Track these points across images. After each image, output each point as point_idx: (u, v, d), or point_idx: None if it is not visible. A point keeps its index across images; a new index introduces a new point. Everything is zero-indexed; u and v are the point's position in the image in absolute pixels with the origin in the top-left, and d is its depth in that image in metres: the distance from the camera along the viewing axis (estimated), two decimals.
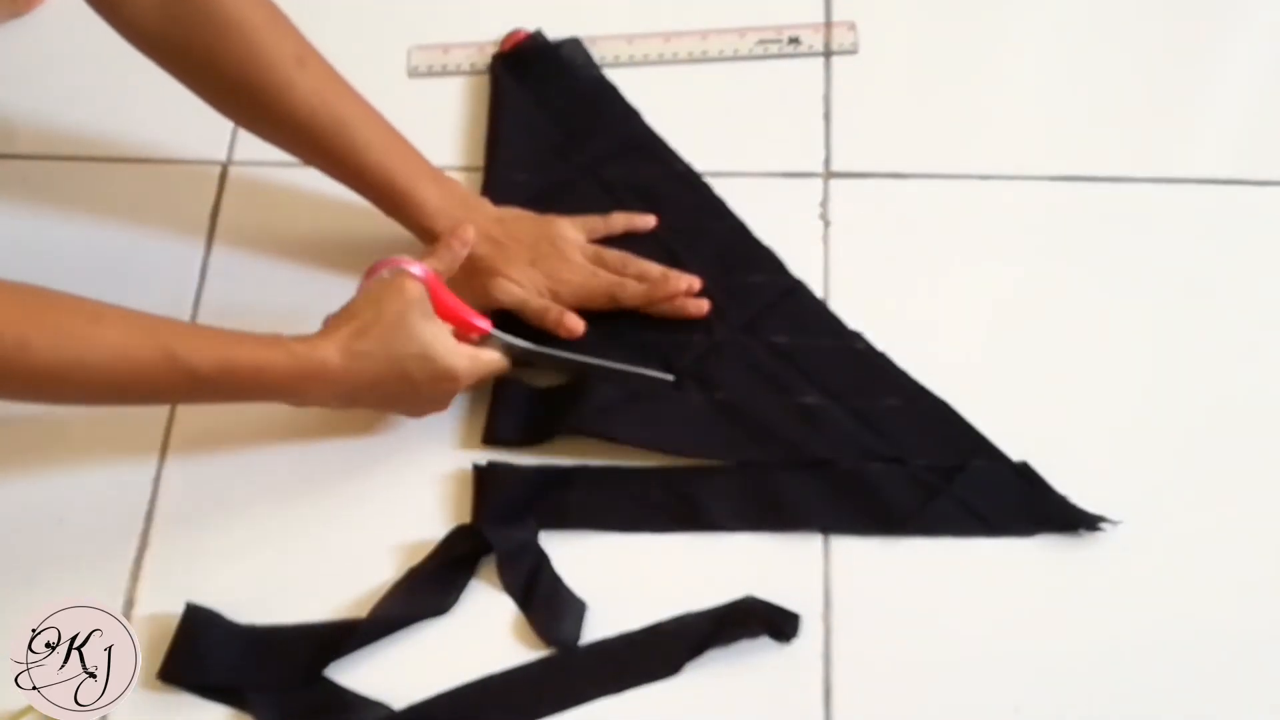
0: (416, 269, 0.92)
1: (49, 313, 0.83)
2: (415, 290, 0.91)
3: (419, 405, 0.95)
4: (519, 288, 0.99)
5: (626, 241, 1.03)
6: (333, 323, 0.91)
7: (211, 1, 0.92)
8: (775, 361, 0.98)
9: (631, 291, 0.99)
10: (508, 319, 0.99)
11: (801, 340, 0.99)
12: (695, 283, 1.00)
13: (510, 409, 0.97)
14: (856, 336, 0.99)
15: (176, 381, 0.86)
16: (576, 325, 0.99)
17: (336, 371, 0.88)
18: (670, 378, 0.96)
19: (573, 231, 1.02)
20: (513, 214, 1.03)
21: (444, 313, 0.93)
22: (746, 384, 0.97)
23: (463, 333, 0.94)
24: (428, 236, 0.99)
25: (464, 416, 0.97)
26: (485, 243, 0.99)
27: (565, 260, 1.00)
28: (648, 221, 1.04)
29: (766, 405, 0.96)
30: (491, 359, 0.95)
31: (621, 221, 1.04)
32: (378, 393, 0.91)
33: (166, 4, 0.92)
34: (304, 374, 0.88)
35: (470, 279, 0.99)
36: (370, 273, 0.93)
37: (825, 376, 0.98)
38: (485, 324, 0.95)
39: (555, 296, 0.99)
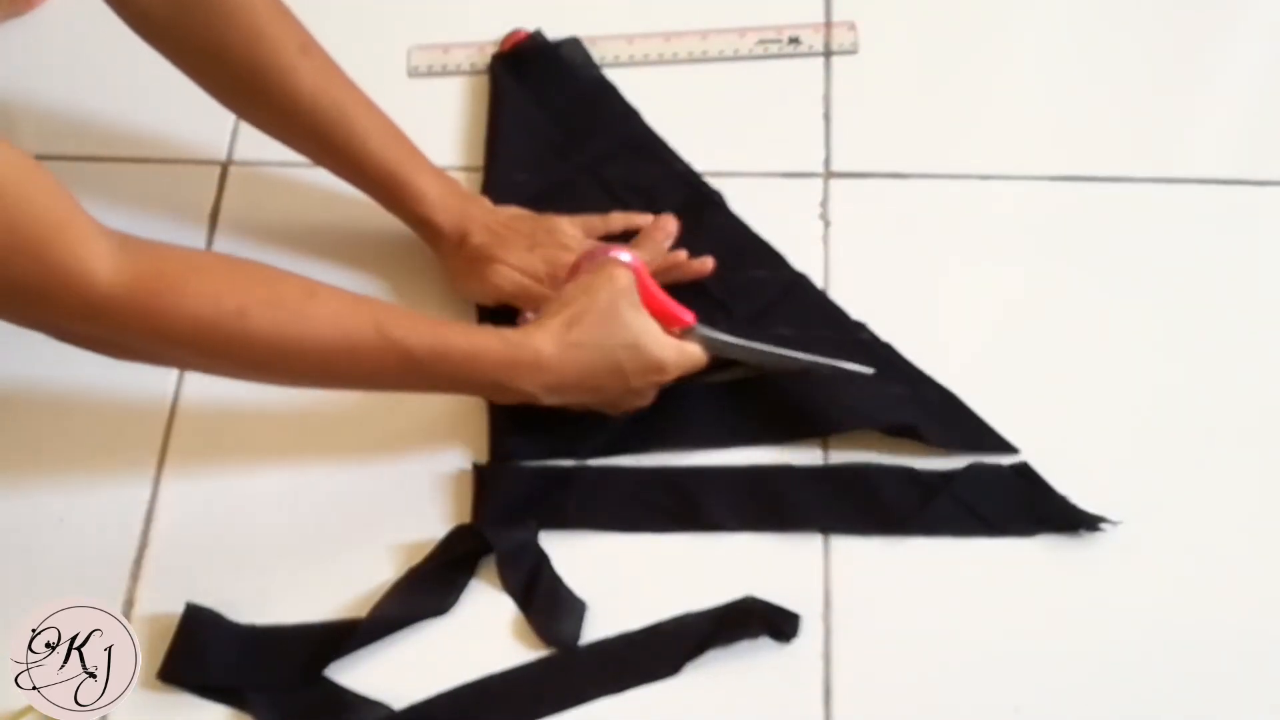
0: (626, 256, 0.91)
1: (266, 284, 0.84)
2: (625, 279, 0.91)
3: (625, 398, 0.93)
4: (519, 274, 0.99)
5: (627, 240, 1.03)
6: (545, 311, 0.90)
7: None
8: None
9: None
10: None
11: (806, 332, 0.99)
12: (708, 263, 1.01)
13: (516, 427, 0.96)
14: (860, 327, 1.00)
15: (389, 361, 0.86)
16: None
17: (550, 360, 0.88)
18: (870, 371, 0.95)
19: (571, 226, 1.02)
20: (509, 210, 1.03)
21: (650, 304, 0.92)
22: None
23: (666, 324, 0.93)
24: (426, 228, 1.00)
25: (464, 417, 0.97)
26: (484, 233, 0.99)
27: (565, 249, 1.00)
28: (645, 220, 1.04)
29: (773, 391, 0.97)
30: (695, 353, 0.94)
31: (620, 220, 1.04)
32: (587, 383, 0.91)
33: None
34: (517, 362, 0.88)
35: (471, 267, 0.99)
36: (576, 266, 0.93)
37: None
38: (689, 316, 0.94)
39: (555, 283, 0.99)
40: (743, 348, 0.95)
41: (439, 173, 1.01)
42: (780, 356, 0.95)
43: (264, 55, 0.94)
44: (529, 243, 1.00)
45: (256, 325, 0.82)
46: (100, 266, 0.78)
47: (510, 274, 0.98)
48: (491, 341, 0.88)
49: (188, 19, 0.93)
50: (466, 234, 0.99)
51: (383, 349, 0.85)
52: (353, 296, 0.87)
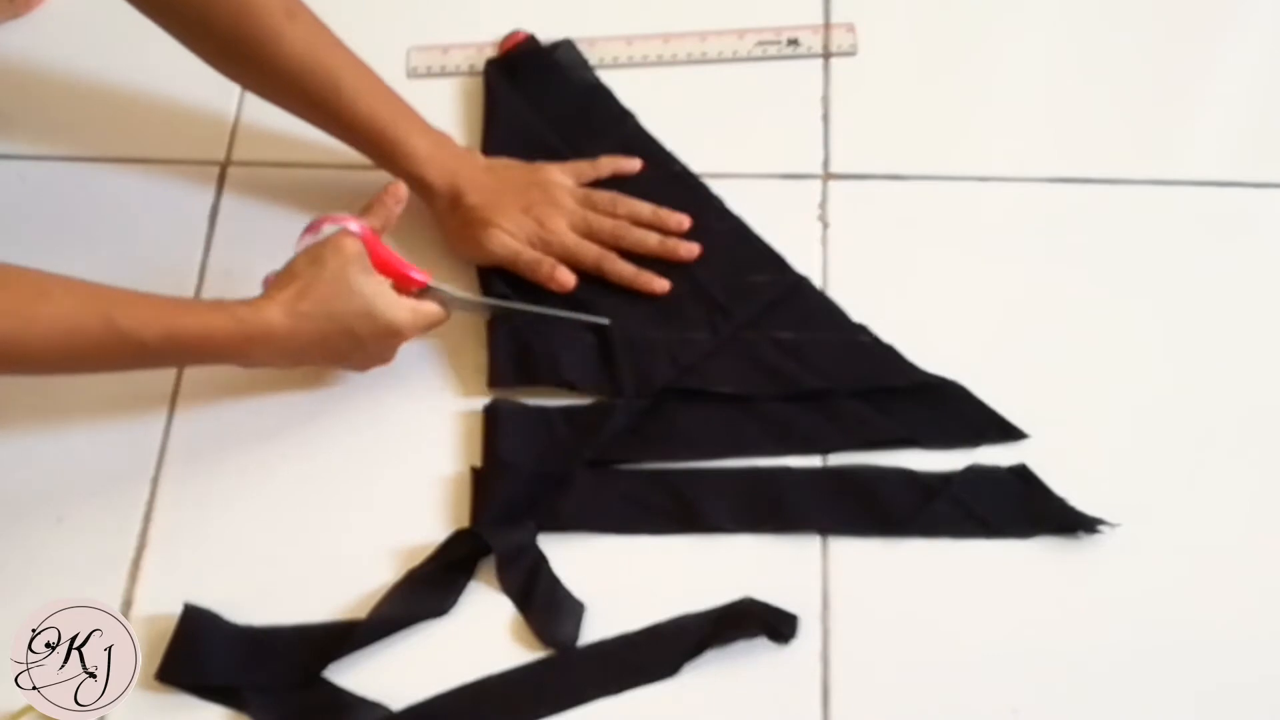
0: (354, 226, 0.94)
1: None
2: (354, 247, 0.93)
3: (365, 360, 0.96)
4: (511, 239, 1.00)
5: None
6: (274, 284, 0.92)
7: None
8: (781, 357, 0.98)
9: (620, 270, 1.01)
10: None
11: (807, 335, 0.99)
12: (685, 220, 1.03)
13: (506, 353, 0.99)
14: (861, 329, 1.00)
15: (122, 352, 0.88)
16: (568, 279, 1.00)
17: (281, 333, 0.90)
18: (606, 322, 0.99)
19: (562, 176, 1.04)
20: (502, 163, 1.05)
21: (382, 267, 0.95)
22: (753, 380, 0.98)
23: (402, 286, 0.96)
24: (419, 186, 1.01)
25: (463, 420, 0.97)
26: (477, 193, 1.01)
27: (557, 206, 1.02)
28: (633, 165, 1.06)
29: (775, 398, 0.97)
30: (432, 311, 0.96)
31: (608, 165, 1.06)
32: (323, 350, 0.93)
33: None
34: (249, 338, 0.90)
35: (464, 230, 1.01)
36: (309, 230, 0.95)
37: (832, 369, 0.98)
38: (424, 276, 0.97)
39: (545, 246, 1.01)
40: (477, 303, 0.99)
41: (431, 130, 1.02)
42: (516, 310, 0.99)
43: (249, 22, 0.96)
44: (523, 202, 1.01)
45: None
46: None
47: (504, 239, 1.00)
48: (222, 321, 0.90)
49: None
50: (460, 193, 1.00)
51: (115, 342, 0.87)
52: (87, 290, 0.87)
